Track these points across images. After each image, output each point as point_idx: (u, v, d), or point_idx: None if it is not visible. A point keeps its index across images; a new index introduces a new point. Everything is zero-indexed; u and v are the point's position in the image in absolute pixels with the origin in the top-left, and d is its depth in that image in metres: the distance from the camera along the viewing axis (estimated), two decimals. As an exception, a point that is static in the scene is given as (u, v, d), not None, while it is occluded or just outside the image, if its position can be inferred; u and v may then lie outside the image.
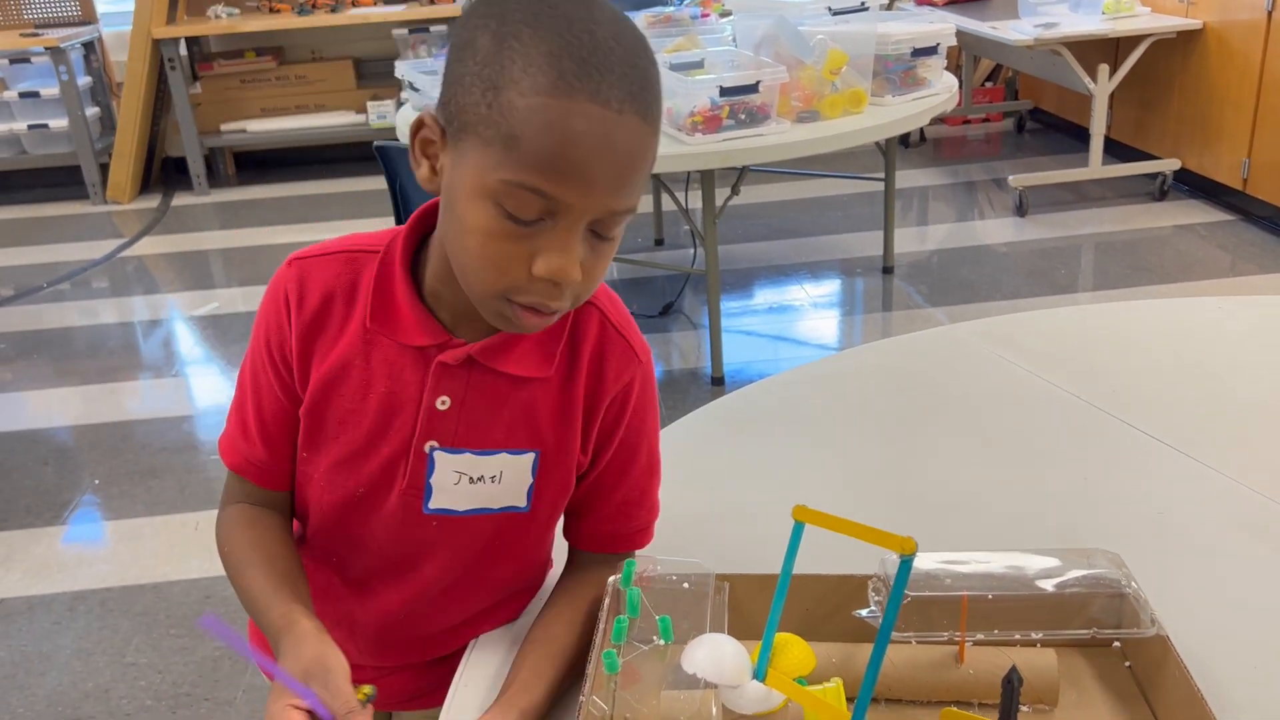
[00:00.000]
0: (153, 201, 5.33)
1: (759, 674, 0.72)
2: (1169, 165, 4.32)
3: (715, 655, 0.72)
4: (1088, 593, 0.89)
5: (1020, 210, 4.34)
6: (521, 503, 0.95)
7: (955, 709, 0.86)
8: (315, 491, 0.97)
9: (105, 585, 2.43)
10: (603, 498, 0.99)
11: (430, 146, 0.82)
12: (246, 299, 4.08)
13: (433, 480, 0.93)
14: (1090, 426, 1.29)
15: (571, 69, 0.73)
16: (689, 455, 1.27)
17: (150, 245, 4.74)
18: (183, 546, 2.56)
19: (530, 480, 0.94)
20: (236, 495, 0.99)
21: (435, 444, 0.92)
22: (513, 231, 0.77)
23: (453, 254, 0.84)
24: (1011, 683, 0.71)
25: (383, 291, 0.90)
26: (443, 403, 0.91)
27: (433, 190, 0.84)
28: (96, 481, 2.88)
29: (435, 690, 0.97)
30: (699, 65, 3.02)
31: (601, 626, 0.86)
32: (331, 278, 0.91)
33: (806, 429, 1.34)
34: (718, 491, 1.21)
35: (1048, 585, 0.89)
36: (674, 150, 2.76)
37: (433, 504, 0.94)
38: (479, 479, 0.93)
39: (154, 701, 2.07)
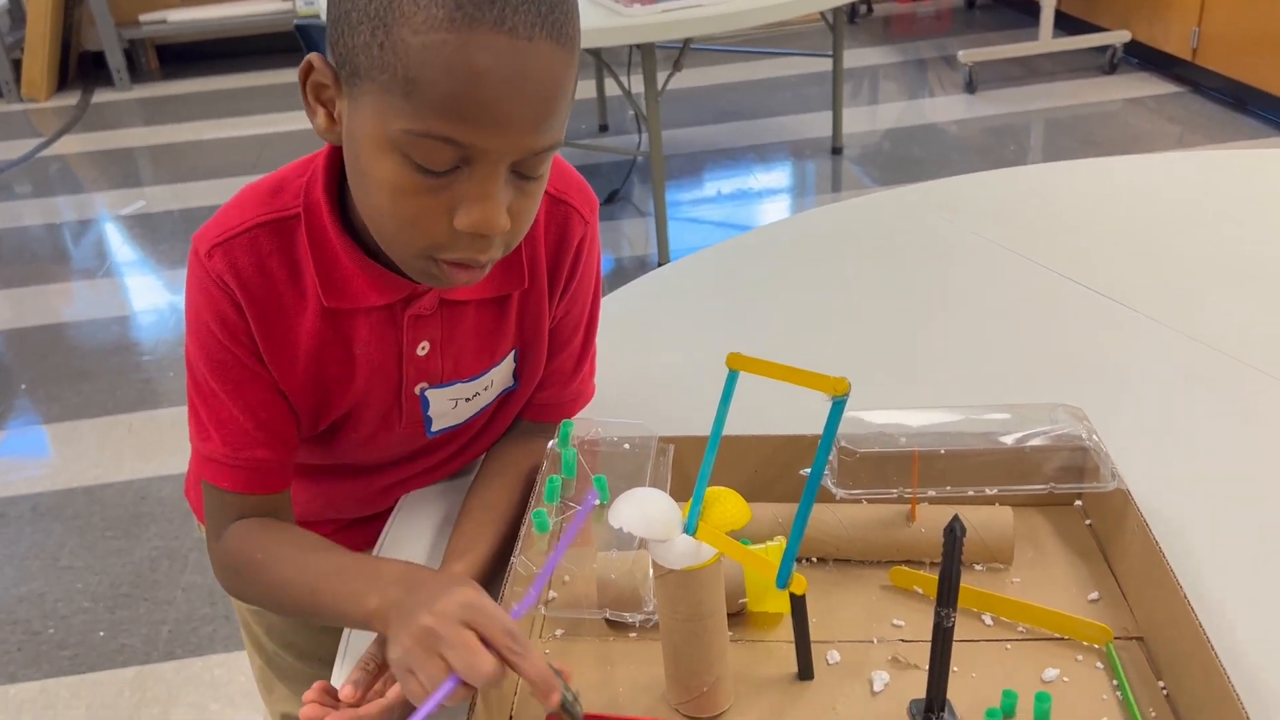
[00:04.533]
0: (71, 98, 5.10)
1: (689, 528, 0.67)
2: (1118, 37, 4.25)
3: (642, 510, 0.67)
4: (1048, 447, 0.84)
5: (970, 87, 4.26)
6: (511, 383, 0.95)
7: (905, 568, 0.83)
8: (309, 443, 0.91)
9: (36, 490, 2.35)
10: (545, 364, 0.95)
11: (324, 91, 0.72)
12: (175, 196, 3.92)
13: (430, 413, 0.91)
14: (1037, 285, 1.25)
15: None
16: (630, 323, 1.22)
17: (71, 144, 4.54)
18: (115, 448, 2.48)
19: (514, 366, 0.94)
20: (230, 516, 0.85)
21: (425, 385, 0.89)
22: (426, 184, 0.68)
23: (364, 210, 0.75)
24: (954, 532, 0.66)
25: (325, 262, 0.79)
26: (423, 349, 0.86)
27: (332, 140, 0.74)
28: (24, 386, 2.78)
29: None
30: (637, -66, 2.89)
31: (536, 488, 0.85)
32: (264, 257, 0.80)
33: (750, 294, 1.29)
34: (658, 357, 1.16)
35: (1007, 440, 0.84)
36: (612, 23, 2.65)
37: (435, 428, 0.93)
38: (473, 396, 0.92)
39: (91, 603, 2.01)
